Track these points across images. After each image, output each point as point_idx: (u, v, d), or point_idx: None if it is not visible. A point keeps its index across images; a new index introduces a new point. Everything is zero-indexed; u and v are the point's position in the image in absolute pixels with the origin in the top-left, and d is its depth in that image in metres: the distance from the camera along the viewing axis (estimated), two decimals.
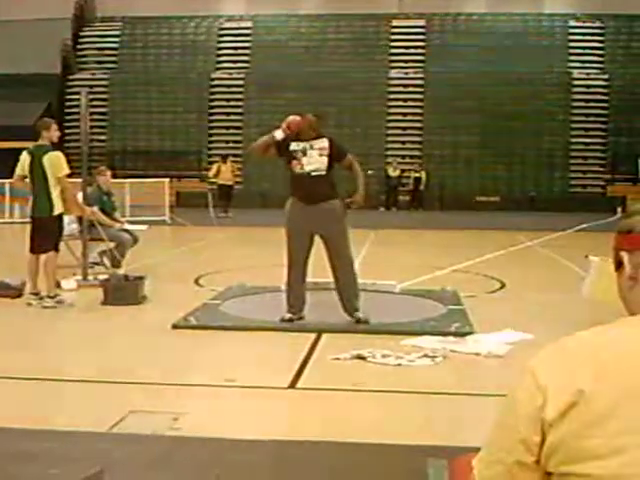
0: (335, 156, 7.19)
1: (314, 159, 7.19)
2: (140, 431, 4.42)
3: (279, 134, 7.18)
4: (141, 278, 8.70)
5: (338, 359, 6.06)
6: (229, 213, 22.61)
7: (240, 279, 9.84)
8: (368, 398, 5.28)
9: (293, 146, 7.22)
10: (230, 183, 23.24)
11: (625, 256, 1.29)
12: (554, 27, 30.74)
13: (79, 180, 10.15)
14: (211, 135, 30.31)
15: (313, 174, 7.17)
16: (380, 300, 8.71)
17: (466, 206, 26.32)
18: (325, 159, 7.15)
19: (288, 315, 7.42)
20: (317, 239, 7.40)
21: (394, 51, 30.94)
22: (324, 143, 7.22)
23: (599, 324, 1.25)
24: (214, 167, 24.03)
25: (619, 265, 1.30)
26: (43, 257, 8.40)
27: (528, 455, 1.14)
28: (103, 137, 29.57)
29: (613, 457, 1.07)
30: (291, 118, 7.20)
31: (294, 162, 7.25)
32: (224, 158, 24.20)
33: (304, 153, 7.21)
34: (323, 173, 7.16)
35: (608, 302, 7.11)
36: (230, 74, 30.89)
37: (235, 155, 27.00)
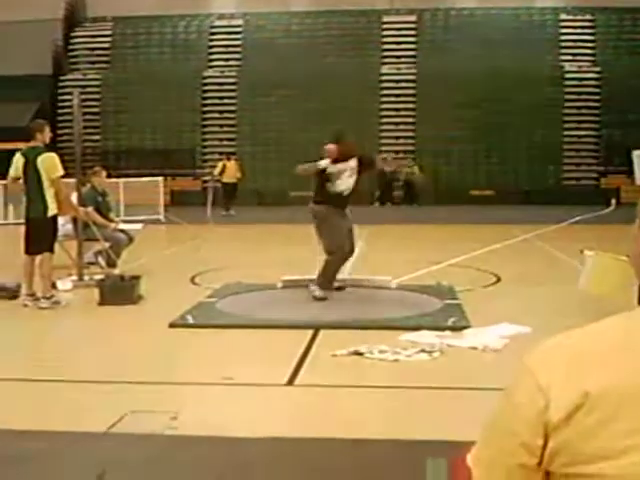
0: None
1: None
2: (139, 431, 4.42)
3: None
4: (137, 278, 8.69)
5: (336, 355, 6.06)
6: (231, 211, 22.65)
7: (236, 277, 9.84)
8: (366, 394, 5.29)
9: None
10: (234, 181, 23.29)
11: None
12: (545, 21, 30.75)
13: (72, 180, 10.12)
14: (204, 133, 30.23)
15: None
16: (376, 296, 8.72)
17: (460, 200, 26.28)
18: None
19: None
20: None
21: (386, 47, 30.91)
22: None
23: (595, 316, 1.22)
24: (219, 165, 23.94)
25: None
26: (38, 258, 8.38)
27: (531, 458, 1.10)
28: (96, 137, 29.45)
29: (622, 457, 1.03)
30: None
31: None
32: (228, 156, 24.25)
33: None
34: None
35: (603, 295, 7.22)
36: (222, 72, 30.83)
37: (229, 153, 26.99)
